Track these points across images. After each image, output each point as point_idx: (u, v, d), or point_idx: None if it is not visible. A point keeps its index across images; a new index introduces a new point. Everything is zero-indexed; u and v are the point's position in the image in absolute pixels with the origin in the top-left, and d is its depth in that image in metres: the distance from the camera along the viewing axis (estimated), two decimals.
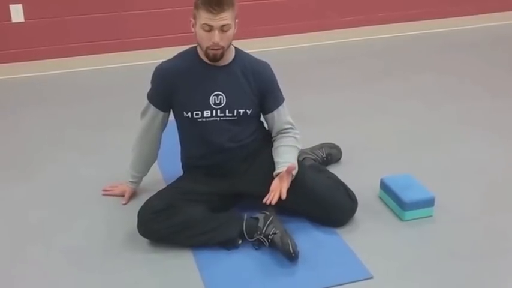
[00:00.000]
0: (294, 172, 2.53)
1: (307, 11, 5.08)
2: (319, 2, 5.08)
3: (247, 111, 2.57)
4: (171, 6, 4.63)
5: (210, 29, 2.39)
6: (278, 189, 2.45)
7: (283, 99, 2.68)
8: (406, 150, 3.32)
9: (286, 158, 2.57)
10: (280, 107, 2.66)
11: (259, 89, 2.60)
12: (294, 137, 2.67)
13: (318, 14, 5.13)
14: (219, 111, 2.56)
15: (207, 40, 2.42)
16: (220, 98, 2.55)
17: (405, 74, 4.51)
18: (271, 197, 2.43)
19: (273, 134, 2.72)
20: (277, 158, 2.59)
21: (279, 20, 5.03)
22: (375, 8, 5.28)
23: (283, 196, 2.43)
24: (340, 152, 3.16)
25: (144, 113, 2.68)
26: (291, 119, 2.70)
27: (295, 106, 3.60)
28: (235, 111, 2.56)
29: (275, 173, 2.53)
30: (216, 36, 2.39)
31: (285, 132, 2.67)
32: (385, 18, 5.33)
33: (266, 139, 2.76)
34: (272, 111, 2.65)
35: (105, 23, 4.55)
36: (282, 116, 2.66)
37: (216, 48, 2.43)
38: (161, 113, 2.65)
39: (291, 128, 2.69)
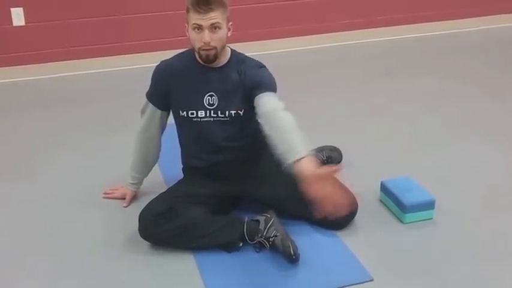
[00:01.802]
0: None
1: (308, 14, 5.09)
2: (320, 5, 5.09)
3: (239, 112, 2.57)
4: (172, 10, 4.64)
5: (199, 29, 2.41)
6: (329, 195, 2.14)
7: (274, 90, 2.48)
8: (407, 152, 3.33)
9: (298, 142, 2.24)
10: (272, 93, 2.45)
11: (251, 82, 2.50)
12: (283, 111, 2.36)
13: (319, 16, 5.14)
14: (212, 111, 2.57)
15: (198, 41, 2.43)
16: (214, 98, 2.56)
17: (406, 76, 4.51)
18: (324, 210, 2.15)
19: (263, 110, 2.38)
20: (288, 143, 2.26)
21: (279, 23, 5.04)
22: (375, 11, 5.29)
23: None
24: (340, 155, 3.16)
25: (143, 111, 2.70)
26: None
27: (296, 108, 3.61)
28: (227, 112, 2.57)
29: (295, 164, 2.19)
30: (206, 35, 2.40)
31: (278, 109, 2.37)
32: (385, 21, 5.34)
33: (266, 142, 2.76)
34: (262, 92, 2.43)
35: (106, 26, 4.56)
36: (272, 97, 2.43)
37: (207, 48, 2.44)
38: (159, 112, 2.66)
39: (279, 104, 2.40)
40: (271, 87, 2.49)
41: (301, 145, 2.24)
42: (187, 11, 2.44)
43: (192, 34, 2.44)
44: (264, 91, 2.44)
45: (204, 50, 2.45)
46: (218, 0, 2.40)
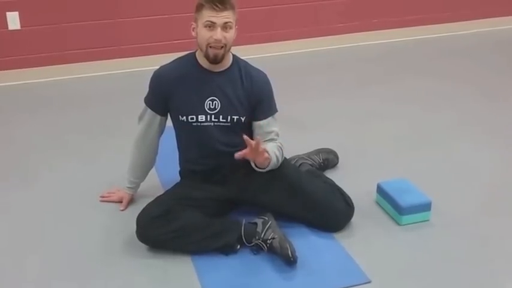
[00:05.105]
0: (262, 160, 2.47)
1: (303, 17, 5.10)
2: (315, 8, 5.11)
3: (241, 118, 2.58)
4: (168, 13, 4.65)
5: (212, 26, 2.43)
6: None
7: (275, 111, 2.67)
8: (403, 154, 3.34)
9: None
10: (270, 118, 2.64)
11: (254, 96, 2.60)
12: (277, 144, 2.62)
13: (314, 19, 5.15)
14: (213, 116, 2.57)
15: (209, 38, 2.44)
16: (215, 103, 2.57)
17: (401, 79, 4.53)
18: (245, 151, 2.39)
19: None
20: None
21: (275, 26, 5.05)
22: (371, 14, 5.31)
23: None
24: (337, 157, 3.17)
25: (141, 117, 2.70)
26: (279, 131, 2.66)
27: (292, 112, 3.64)
28: (229, 117, 2.58)
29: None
30: (218, 33, 2.42)
31: (269, 139, 2.62)
32: (381, 24, 5.36)
33: None
34: (262, 119, 2.62)
35: (101, 30, 4.56)
36: (271, 126, 2.63)
37: (217, 46, 2.45)
38: (158, 117, 2.66)
39: (276, 137, 2.65)
40: (273, 109, 2.65)
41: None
42: (199, 9, 2.45)
43: (203, 31, 2.46)
44: (267, 116, 2.62)
45: (213, 48, 2.46)
46: (232, 1, 2.45)
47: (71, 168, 3.22)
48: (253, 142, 2.37)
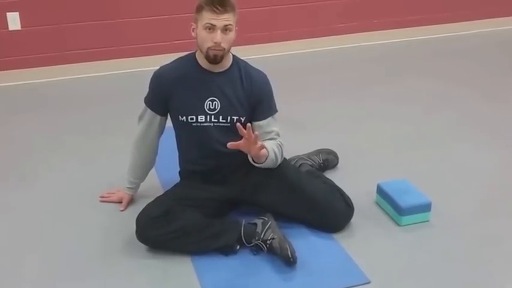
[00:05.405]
0: (259, 154, 2.46)
1: (303, 17, 5.10)
2: (315, 8, 5.11)
3: (241, 118, 2.58)
4: (168, 14, 4.65)
5: (212, 28, 2.42)
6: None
7: (275, 111, 2.67)
8: (403, 155, 3.34)
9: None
10: (270, 118, 2.64)
11: (254, 97, 2.60)
12: (277, 142, 2.61)
13: (314, 20, 5.15)
14: (213, 116, 2.57)
15: (209, 40, 2.44)
16: (215, 103, 2.57)
17: (402, 79, 4.52)
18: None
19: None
20: None
21: (274, 27, 5.05)
22: (371, 15, 5.30)
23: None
24: (336, 158, 3.17)
25: (141, 117, 2.70)
26: (279, 131, 2.66)
27: (292, 112, 3.64)
28: (229, 117, 2.58)
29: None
30: (218, 35, 2.42)
31: (269, 138, 2.62)
32: (381, 24, 5.36)
33: None
34: (261, 120, 2.62)
35: (101, 30, 4.56)
36: (271, 126, 2.63)
37: (217, 49, 2.45)
38: (158, 117, 2.66)
39: (277, 137, 2.64)
40: (273, 110, 2.65)
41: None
42: (199, 9, 2.45)
43: (203, 33, 2.45)
44: (267, 116, 2.61)
45: (213, 50, 2.46)
46: (232, 3, 2.45)
47: (70, 168, 3.22)
48: (245, 131, 2.35)
